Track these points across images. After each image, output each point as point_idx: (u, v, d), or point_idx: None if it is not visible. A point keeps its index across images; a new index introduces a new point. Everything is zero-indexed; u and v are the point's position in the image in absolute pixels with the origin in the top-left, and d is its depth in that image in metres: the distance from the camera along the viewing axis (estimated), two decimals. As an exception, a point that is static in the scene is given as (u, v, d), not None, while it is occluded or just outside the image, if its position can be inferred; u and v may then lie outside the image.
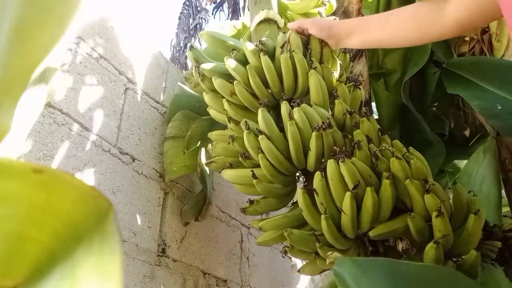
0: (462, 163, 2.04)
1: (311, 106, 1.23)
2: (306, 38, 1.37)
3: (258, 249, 2.07)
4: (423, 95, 1.98)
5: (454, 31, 1.01)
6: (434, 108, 2.08)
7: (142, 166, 1.56)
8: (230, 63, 1.31)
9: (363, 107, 1.37)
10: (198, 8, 6.90)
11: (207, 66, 1.38)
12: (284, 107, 1.21)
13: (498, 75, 1.53)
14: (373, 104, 1.96)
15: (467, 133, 2.10)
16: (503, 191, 1.63)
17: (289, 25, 1.37)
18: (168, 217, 1.61)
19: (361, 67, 1.81)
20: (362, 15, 1.95)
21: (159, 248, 1.52)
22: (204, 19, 6.84)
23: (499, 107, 1.44)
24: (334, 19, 1.61)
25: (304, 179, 1.27)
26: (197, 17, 6.82)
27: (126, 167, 1.50)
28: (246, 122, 1.21)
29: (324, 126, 1.12)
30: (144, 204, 1.52)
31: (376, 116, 1.96)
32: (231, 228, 1.94)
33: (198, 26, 6.93)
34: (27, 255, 0.23)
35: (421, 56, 1.76)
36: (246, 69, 1.29)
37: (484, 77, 1.54)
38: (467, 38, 2.05)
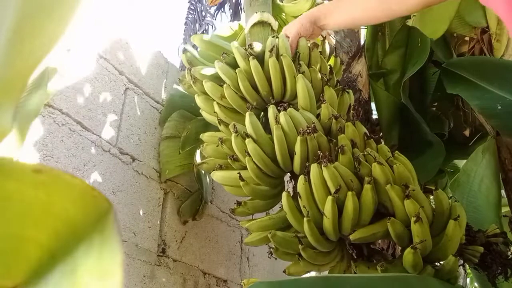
0: (461, 163, 2.04)
1: (298, 110, 1.24)
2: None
3: (258, 249, 2.07)
4: (423, 95, 1.98)
5: (417, 7, 1.12)
6: (434, 108, 2.08)
7: (142, 166, 1.56)
8: (220, 67, 1.32)
9: (352, 111, 1.37)
10: (204, 14, 6.88)
11: (198, 69, 1.40)
12: (271, 111, 1.22)
13: (498, 75, 1.53)
14: (373, 104, 1.96)
15: (466, 133, 2.10)
16: (502, 191, 1.63)
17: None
18: (168, 217, 1.61)
19: (360, 67, 1.81)
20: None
21: (159, 248, 1.52)
22: (211, 25, 6.82)
23: (499, 107, 1.44)
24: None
25: (294, 181, 1.28)
26: (203, 22, 6.80)
27: (126, 167, 1.50)
28: (234, 125, 1.23)
29: (309, 131, 1.14)
30: (144, 204, 1.52)
31: (375, 116, 1.96)
32: (231, 228, 1.94)
33: (205, 31, 6.92)
34: (27, 255, 0.23)
35: (420, 56, 1.76)
36: (236, 73, 1.30)
37: (484, 77, 1.54)
38: (467, 38, 2.05)
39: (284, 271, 1.25)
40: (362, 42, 2.05)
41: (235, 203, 1.32)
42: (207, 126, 1.57)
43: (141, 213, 1.50)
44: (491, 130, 1.71)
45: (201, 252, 1.71)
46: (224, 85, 1.32)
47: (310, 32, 1.34)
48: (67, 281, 0.22)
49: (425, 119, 1.80)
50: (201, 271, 1.68)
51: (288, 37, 1.38)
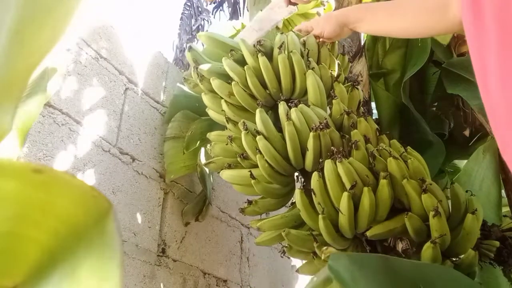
0: (462, 163, 2.04)
1: (309, 106, 1.23)
2: (303, 40, 1.38)
3: (258, 249, 2.06)
4: (423, 95, 1.98)
5: (460, 28, 1.02)
6: (434, 108, 2.08)
7: (142, 166, 1.56)
8: (228, 64, 1.31)
9: (361, 107, 1.37)
10: (200, 9, 6.91)
11: (205, 67, 1.38)
12: (282, 107, 1.21)
13: (498, 75, 1.53)
14: (373, 104, 1.96)
15: (467, 133, 2.10)
16: (503, 191, 1.63)
17: (296, 28, 1.39)
18: (168, 217, 1.61)
19: (360, 67, 1.81)
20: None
21: (159, 248, 1.52)
22: (207, 20, 6.85)
23: (499, 107, 1.44)
24: None
25: (303, 179, 1.27)
26: (199, 18, 6.83)
27: (126, 167, 1.50)
28: (244, 122, 1.21)
29: (321, 126, 1.12)
30: (144, 204, 1.52)
31: (376, 116, 1.96)
32: (231, 228, 1.94)
33: (200, 27, 6.94)
34: (27, 255, 0.23)
35: (420, 56, 1.76)
36: (244, 70, 1.29)
37: (484, 77, 1.54)
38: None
39: (297, 271, 1.25)
40: (362, 42, 2.05)
41: (245, 202, 1.30)
42: (212, 126, 1.56)
43: (141, 213, 1.50)
44: (491, 130, 1.71)
45: (201, 252, 1.71)
46: (233, 83, 1.30)
47: (336, 34, 1.29)
48: (67, 281, 0.22)
49: (425, 119, 1.80)
50: (201, 271, 1.68)
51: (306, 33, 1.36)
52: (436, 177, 1.99)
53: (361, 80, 1.76)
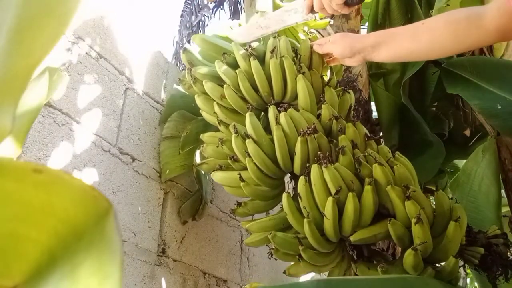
0: (461, 163, 2.04)
1: (298, 111, 1.23)
2: (296, 45, 1.37)
3: (258, 249, 2.06)
4: (423, 95, 1.98)
5: (495, 38, 0.93)
6: (434, 108, 2.09)
7: (142, 166, 1.56)
8: (220, 67, 1.32)
9: (353, 111, 1.37)
10: (200, 6, 6.91)
11: (198, 69, 1.39)
12: (272, 111, 1.22)
13: (498, 75, 1.53)
14: (373, 104, 1.96)
15: (467, 133, 2.10)
16: (502, 191, 1.63)
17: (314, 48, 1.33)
18: (168, 217, 1.61)
19: (360, 67, 1.81)
20: (361, 15, 1.95)
21: (159, 248, 1.52)
22: (207, 16, 6.85)
23: (499, 107, 1.44)
24: (330, 22, 1.61)
25: (294, 182, 1.28)
26: (199, 14, 6.83)
27: (126, 167, 1.50)
28: (234, 125, 1.23)
29: (309, 131, 1.13)
30: (144, 204, 1.52)
31: (375, 116, 1.96)
32: (231, 228, 1.94)
33: (200, 23, 6.94)
34: (27, 255, 0.23)
35: (420, 56, 1.76)
36: (236, 73, 1.30)
37: (484, 77, 1.54)
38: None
39: (284, 272, 1.25)
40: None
41: (235, 204, 1.32)
42: (207, 126, 1.57)
43: (141, 213, 1.50)
44: (491, 130, 1.71)
45: (201, 252, 1.71)
46: (224, 85, 1.31)
47: (344, 57, 1.22)
48: (67, 281, 0.22)
49: (425, 119, 1.80)
50: (201, 271, 1.68)
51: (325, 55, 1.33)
52: (436, 177, 1.99)
53: (362, 77, 1.76)
